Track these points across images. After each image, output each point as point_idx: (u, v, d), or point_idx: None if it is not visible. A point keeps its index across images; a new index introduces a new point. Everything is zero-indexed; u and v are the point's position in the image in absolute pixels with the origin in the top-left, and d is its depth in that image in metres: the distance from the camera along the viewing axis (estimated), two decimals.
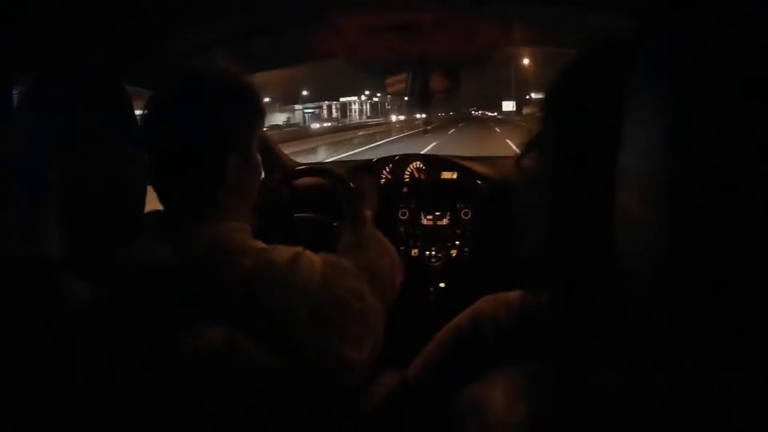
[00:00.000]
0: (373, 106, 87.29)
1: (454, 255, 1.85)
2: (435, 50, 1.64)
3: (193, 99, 0.84)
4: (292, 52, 1.60)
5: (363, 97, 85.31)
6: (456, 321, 0.66)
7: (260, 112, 0.92)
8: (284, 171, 1.82)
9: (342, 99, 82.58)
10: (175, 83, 0.88)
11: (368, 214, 1.25)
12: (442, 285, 1.85)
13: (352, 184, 1.35)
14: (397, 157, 2.02)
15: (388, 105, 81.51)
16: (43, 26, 0.90)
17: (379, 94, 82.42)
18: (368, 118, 78.20)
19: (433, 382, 0.66)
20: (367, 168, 2.02)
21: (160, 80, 1.21)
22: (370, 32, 1.39)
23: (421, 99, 1.87)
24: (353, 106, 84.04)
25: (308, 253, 0.87)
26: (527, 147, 0.54)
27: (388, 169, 1.98)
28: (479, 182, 1.88)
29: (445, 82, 1.81)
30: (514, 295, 0.59)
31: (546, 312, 0.52)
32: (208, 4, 1.14)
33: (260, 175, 0.97)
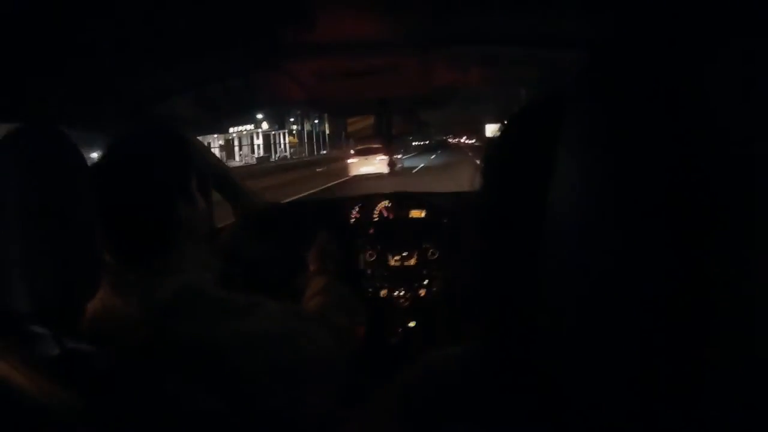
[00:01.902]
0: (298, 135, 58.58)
1: (422, 294, 1.84)
2: (393, 93, 1.65)
3: (130, 156, 0.87)
4: (250, 98, 1.60)
5: (264, 126, 56.63)
6: (404, 378, 0.64)
7: (191, 156, 0.93)
8: (249, 213, 1.80)
9: (234, 129, 54.55)
10: (113, 140, 0.90)
11: (330, 266, 1.31)
12: (411, 324, 1.84)
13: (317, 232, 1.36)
14: (365, 197, 2.01)
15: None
16: None
17: (292, 119, 56.11)
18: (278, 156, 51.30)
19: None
20: (334, 208, 2.01)
21: (116, 128, 1.20)
22: (326, 78, 1.40)
23: (386, 139, 1.88)
24: (256, 141, 56.66)
25: (269, 302, 0.88)
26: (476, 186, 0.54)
27: (356, 209, 1.97)
28: (445, 220, 1.87)
29: (408, 123, 1.83)
30: (459, 350, 0.58)
31: (484, 367, 0.51)
32: (165, 53, 1.14)
33: (208, 218, 0.97)
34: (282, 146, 58.50)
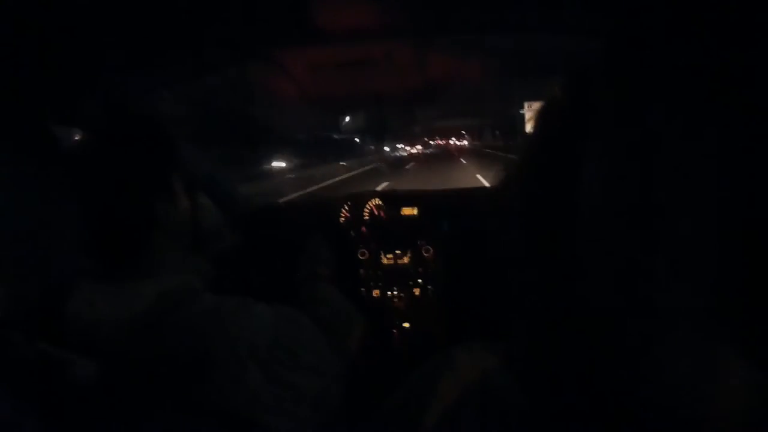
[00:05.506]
0: None
1: (417, 294, 1.79)
2: (387, 86, 1.59)
3: (109, 146, 0.80)
4: (240, 92, 1.54)
5: None
6: (439, 390, 0.56)
7: (173, 151, 0.88)
8: (237, 215, 1.73)
9: None
10: (92, 130, 0.84)
11: (324, 271, 1.28)
12: (406, 325, 1.79)
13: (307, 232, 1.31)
14: (355, 195, 1.94)
15: None
16: None
17: None
18: None
19: None
20: (325, 208, 1.95)
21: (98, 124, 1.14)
22: (320, 70, 1.33)
23: (378, 135, 1.83)
24: None
25: (259, 304, 0.83)
26: (504, 181, 0.49)
27: (346, 208, 1.91)
28: (442, 219, 1.83)
29: (401, 118, 1.77)
30: (496, 359, 0.51)
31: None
32: (150, 46, 1.07)
33: (194, 219, 0.91)
34: None
